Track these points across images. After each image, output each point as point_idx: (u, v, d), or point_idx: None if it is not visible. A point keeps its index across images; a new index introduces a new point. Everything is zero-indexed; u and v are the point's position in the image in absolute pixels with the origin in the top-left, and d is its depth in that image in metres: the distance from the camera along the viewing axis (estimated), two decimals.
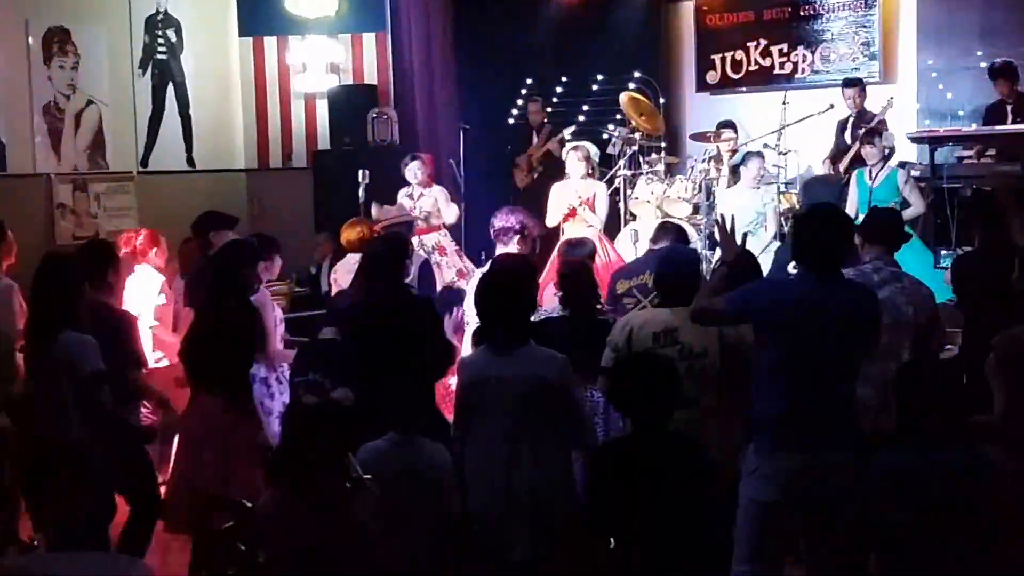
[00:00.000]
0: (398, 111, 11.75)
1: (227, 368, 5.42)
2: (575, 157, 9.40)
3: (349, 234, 7.72)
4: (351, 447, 4.14)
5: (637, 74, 12.06)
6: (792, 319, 4.30)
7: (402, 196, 9.66)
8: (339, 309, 6.00)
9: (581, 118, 12.27)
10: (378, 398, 4.61)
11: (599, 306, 5.88)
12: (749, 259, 5.26)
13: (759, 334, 4.45)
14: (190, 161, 11.78)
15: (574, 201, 9.14)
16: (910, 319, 5.19)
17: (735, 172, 10.35)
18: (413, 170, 9.72)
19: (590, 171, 9.51)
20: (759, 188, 9.79)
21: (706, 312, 4.51)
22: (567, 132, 11.74)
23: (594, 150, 10.29)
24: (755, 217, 9.57)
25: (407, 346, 5.13)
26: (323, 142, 12.06)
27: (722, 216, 5.50)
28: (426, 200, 9.73)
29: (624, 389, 4.21)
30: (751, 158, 9.87)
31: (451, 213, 9.76)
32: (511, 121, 12.59)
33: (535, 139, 12.16)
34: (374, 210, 8.98)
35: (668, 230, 6.74)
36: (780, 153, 10.47)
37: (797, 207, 10.22)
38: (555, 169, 10.93)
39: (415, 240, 8.85)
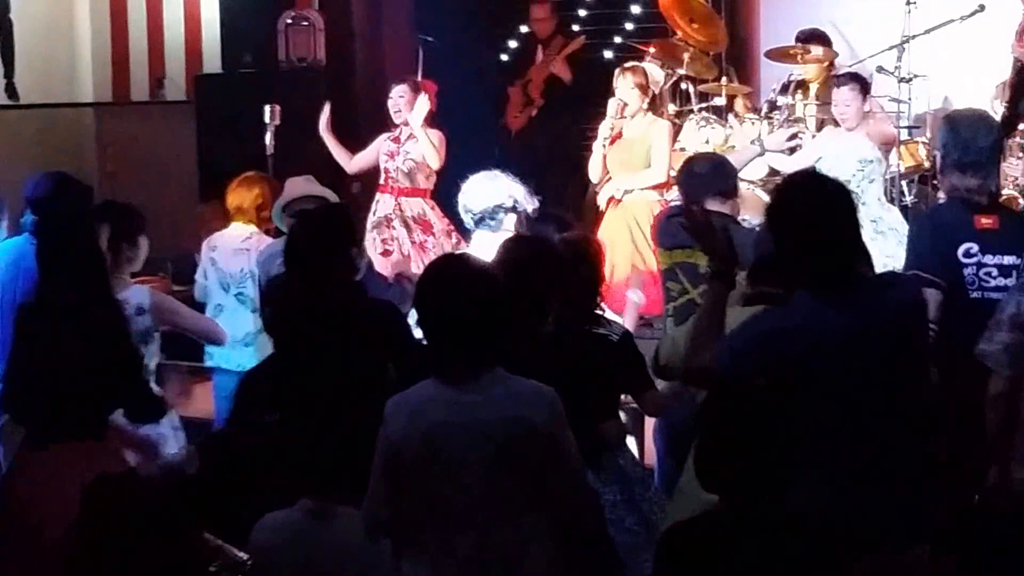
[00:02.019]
0: (324, 16, 11.89)
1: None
2: (627, 83, 9.62)
3: (240, 198, 7.92)
4: (212, 522, 4.43)
5: None
6: (814, 373, 4.41)
7: (383, 140, 9.86)
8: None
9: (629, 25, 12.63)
10: (296, 442, 4.76)
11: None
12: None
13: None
14: (11, 91, 11.86)
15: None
16: None
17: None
18: (394, 99, 9.84)
19: (647, 107, 9.72)
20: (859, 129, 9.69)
21: (697, 373, 4.72)
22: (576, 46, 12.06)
23: (657, 74, 10.40)
24: (858, 171, 9.36)
25: (348, 366, 5.31)
26: (210, 63, 12.27)
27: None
28: (415, 147, 9.82)
29: (714, 454, 4.16)
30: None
31: (433, 155, 9.83)
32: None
33: (538, 57, 12.42)
34: (342, 157, 9.52)
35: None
36: (902, 80, 10.42)
37: (926, 164, 10.16)
38: (563, 102, 11.31)
39: (386, 202, 9.54)
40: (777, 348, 4.45)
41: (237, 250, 7.80)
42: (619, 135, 9.62)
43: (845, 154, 9.32)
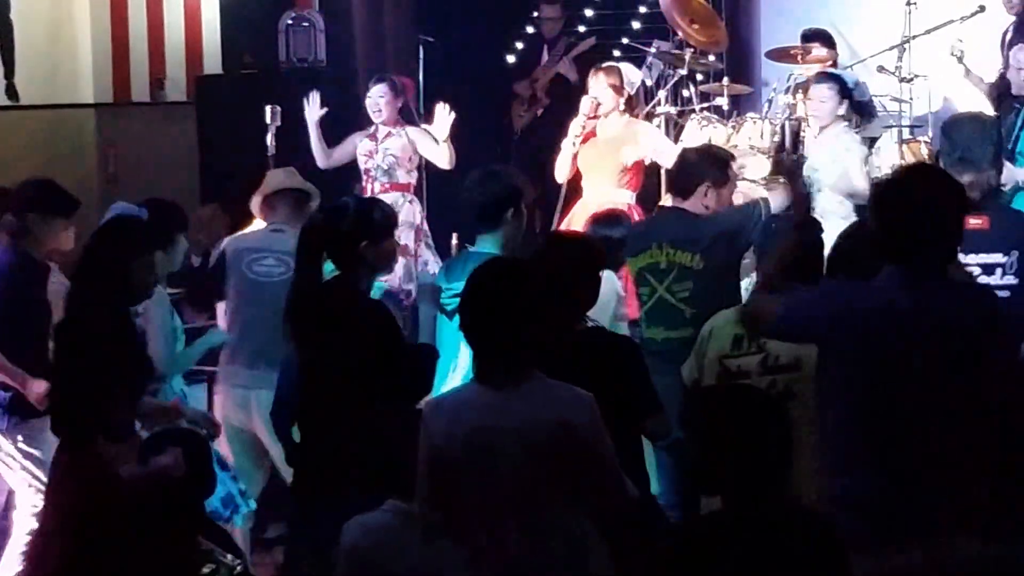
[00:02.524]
0: (325, 16, 11.85)
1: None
2: (599, 82, 9.57)
3: None
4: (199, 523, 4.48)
5: None
6: (865, 341, 4.40)
7: (359, 138, 9.82)
8: None
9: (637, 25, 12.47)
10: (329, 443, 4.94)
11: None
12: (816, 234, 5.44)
13: (824, 369, 4.59)
14: (11, 92, 11.78)
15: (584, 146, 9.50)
16: None
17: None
18: (374, 99, 9.75)
19: (623, 107, 9.65)
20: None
21: (753, 315, 4.80)
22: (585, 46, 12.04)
23: (633, 74, 10.33)
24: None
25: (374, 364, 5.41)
26: (211, 64, 12.23)
27: (796, 158, 5.38)
28: (394, 143, 9.75)
29: (711, 454, 4.17)
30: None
31: (442, 155, 9.70)
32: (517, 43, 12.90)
33: (544, 57, 12.42)
34: (320, 151, 9.50)
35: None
36: (903, 80, 10.45)
37: (928, 162, 10.01)
38: (567, 102, 10.99)
39: None
40: (842, 308, 4.46)
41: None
42: (592, 134, 9.52)
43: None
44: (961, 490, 4.41)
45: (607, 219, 7.43)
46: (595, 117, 9.50)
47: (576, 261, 5.40)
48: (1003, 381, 4.60)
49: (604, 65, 10.00)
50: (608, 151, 9.39)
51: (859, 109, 10.41)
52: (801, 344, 4.97)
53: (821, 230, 5.61)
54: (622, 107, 9.58)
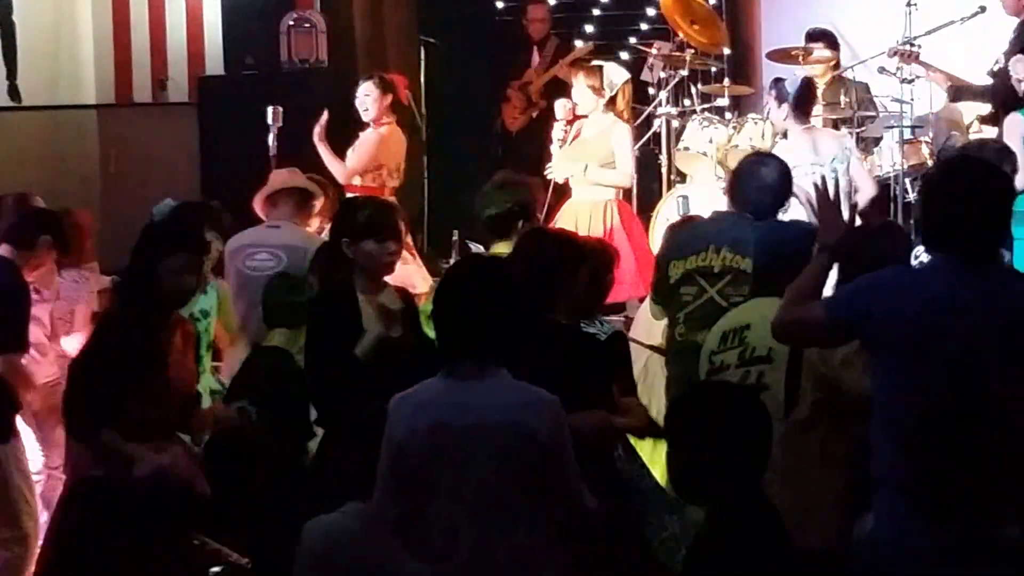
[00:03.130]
0: (326, 17, 11.83)
1: None
2: (579, 83, 9.49)
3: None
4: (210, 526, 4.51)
5: None
6: (925, 332, 4.34)
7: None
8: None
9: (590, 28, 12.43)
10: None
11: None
12: (872, 240, 5.32)
13: (875, 358, 4.49)
14: (13, 93, 11.75)
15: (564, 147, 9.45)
16: None
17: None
18: (360, 97, 9.71)
19: (603, 107, 9.50)
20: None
21: (794, 324, 4.61)
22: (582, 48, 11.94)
23: (617, 75, 9.89)
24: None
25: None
26: (213, 65, 12.19)
27: (823, 177, 5.36)
28: (352, 149, 9.81)
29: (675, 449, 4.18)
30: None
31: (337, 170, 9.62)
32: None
33: (535, 59, 12.27)
34: (335, 166, 9.32)
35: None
36: (903, 81, 10.43)
37: (929, 162, 10.16)
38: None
39: None
40: (892, 298, 4.39)
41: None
42: (577, 134, 9.47)
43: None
44: (1009, 476, 4.36)
45: None
46: (573, 120, 9.52)
47: (554, 256, 5.38)
48: None
49: (585, 65, 9.89)
50: (591, 149, 9.33)
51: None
52: (848, 344, 4.81)
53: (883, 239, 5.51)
54: (602, 108, 9.45)
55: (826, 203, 4.77)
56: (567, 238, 5.80)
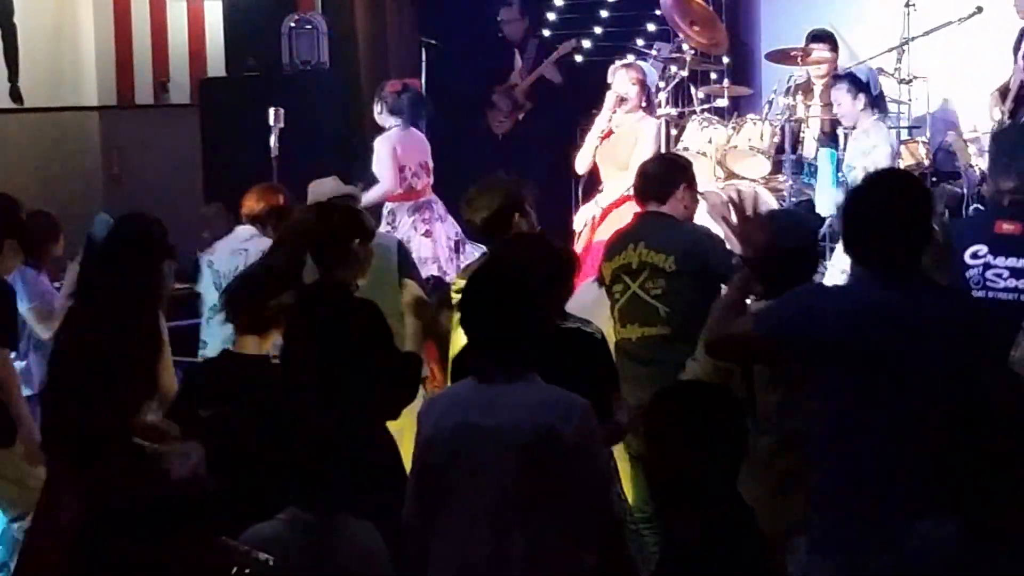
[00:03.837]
0: (328, 19, 11.84)
1: None
2: (628, 77, 9.57)
3: (257, 204, 7.83)
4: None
5: None
6: (858, 345, 4.34)
7: None
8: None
9: (599, 29, 12.31)
10: (293, 449, 4.55)
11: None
12: (795, 250, 5.25)
13: (808, 373, 4.50)
14: (15, 95, 11.75)
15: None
16: None
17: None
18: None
19: (644, 104, 9.67)
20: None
21: (725, 341, 4.63)
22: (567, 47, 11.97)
23: (652, 74, 10.24)
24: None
25: (350, 366, 5.15)
26: (215, 66, 12.24)
27: (739, 191, 5.37)
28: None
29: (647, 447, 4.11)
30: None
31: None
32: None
33: (517, 62, 12.27)
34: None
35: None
36: (901, 81, 10.42)
37: (926, 162, 10.22)
38: (552, 104, 11.23)
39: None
40: (820, 311, 4.41)
41: (235, 251, 7.74)
42: (610, 133, 9.50)
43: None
44: (942, 490, 4.27)
45: None
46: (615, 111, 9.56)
47: (540, 261, 5.38)
48: (987, 385, 4.44)
49: (626, 62, 10.05)
50: (621, 145, 9.40)
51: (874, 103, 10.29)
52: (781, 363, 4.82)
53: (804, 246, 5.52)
54: (643, 103, 9.62)
55: (744, 218, 4.80)
56: (550, 244, 5.82)
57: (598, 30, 12.61)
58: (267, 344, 5.75)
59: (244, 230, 7.80)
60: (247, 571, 4.21)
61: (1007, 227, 5.64)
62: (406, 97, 9.74)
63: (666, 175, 6.80)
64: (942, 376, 4.34)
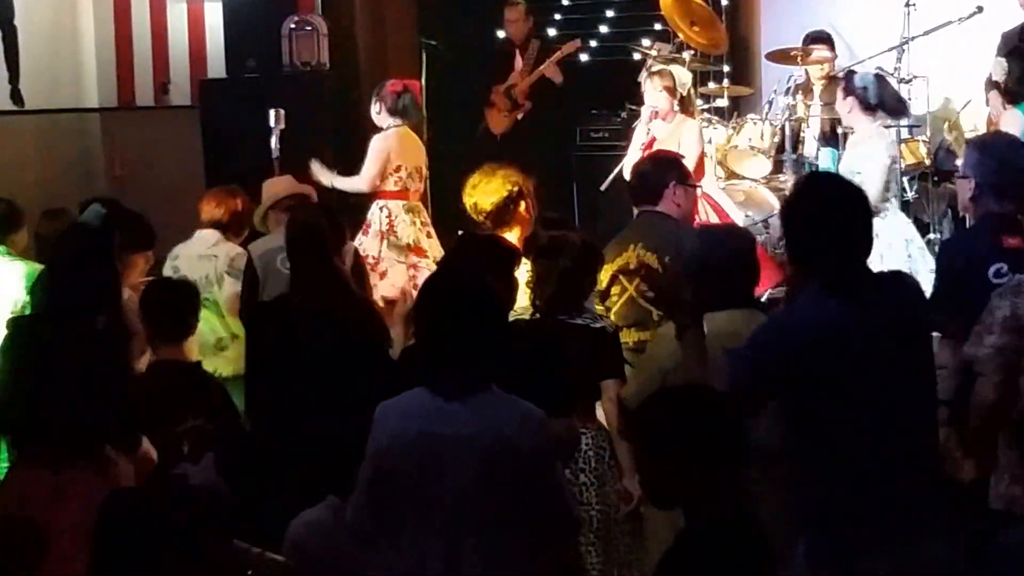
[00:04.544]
0: (328, 20, 11.81)
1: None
2: (654, 86, 9.78)
3: (216, 209, 7.90)
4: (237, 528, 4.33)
5: None
6: (827, 371, 4.33)
7: None
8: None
9: (604, 29, 12.26)
10: (305, 444, 4.76)
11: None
12: (721, 267, 5.21)
13: (786, 407, 4.49)
14: (16, 97, 11.69)
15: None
16: None
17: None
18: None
19: (677, 107, 9.95)
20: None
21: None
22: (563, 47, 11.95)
23: (684, 75, 10.38)
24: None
25: (352, 367, 5.36)
26: (215, 67, 12.17)
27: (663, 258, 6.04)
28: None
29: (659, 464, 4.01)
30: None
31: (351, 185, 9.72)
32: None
33: (518, 62, 12.28)
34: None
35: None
36: (902, 80, 10.46)
37: (927, 161, 10.30)
38: (552, 104, 11.28)
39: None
40: (791, 343, 4.36)
41: (202, 256, 7.75)
42: (653, 140, 9.62)
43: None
44: (929, 491, 4.42)
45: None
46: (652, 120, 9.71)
47: (492, 260, 5.36)
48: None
49: (656, 69, 10.16)
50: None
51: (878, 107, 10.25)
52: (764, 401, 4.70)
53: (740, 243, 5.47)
54: (676, 108, 9.76)
55: (674, 285, 4.86)
56: (501, 242, 5.83)
57: (604, 29, 12.66)
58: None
59: (208, 234, 7.82)
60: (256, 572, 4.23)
61: (1012, 241, 5.61)
62: (406, 98, 9.74)
63: (656, 173, 6.79)
64: (911, 368, 4.41)
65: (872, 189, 8.54)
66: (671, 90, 9.78)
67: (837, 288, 4.39)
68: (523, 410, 4.46)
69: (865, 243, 4.49)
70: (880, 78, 9.63)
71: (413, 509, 4.44)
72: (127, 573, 4.10)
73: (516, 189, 6.77)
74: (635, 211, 6.94)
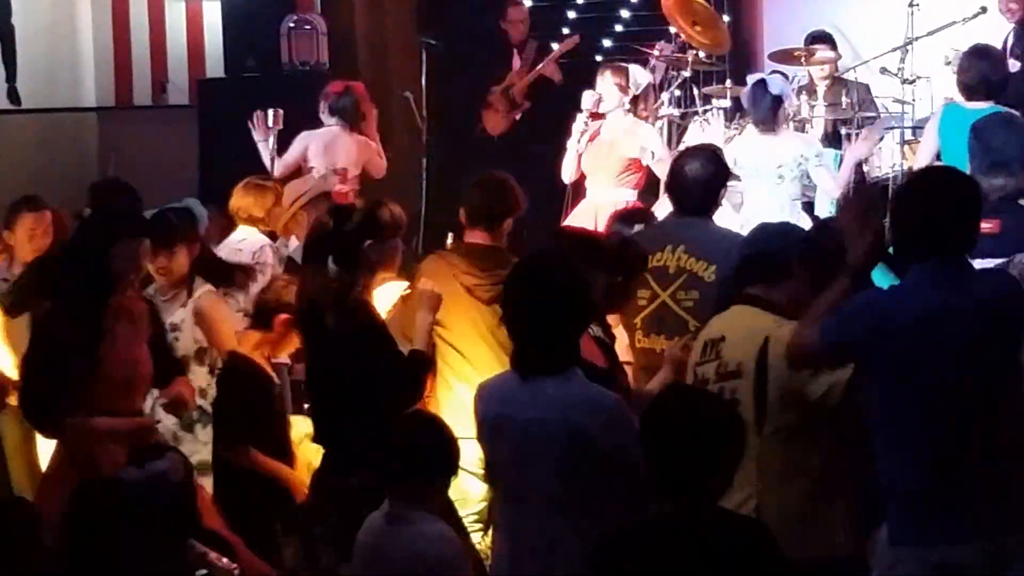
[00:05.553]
0: (327, 20, 11.88)
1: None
2: (606, 80, 9.53)
3: (242, 201, 7.97)
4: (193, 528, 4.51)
5: None
6: (912, 347, 4.38)
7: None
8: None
9: (619, 28, 12.44)
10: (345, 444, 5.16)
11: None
12: (767, 253, 5.10)
13: (865, 379, 4.52)
14: (13, 96, 11.78)
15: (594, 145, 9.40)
16: None
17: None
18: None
19: (627, 107, 9.61)
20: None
21: (797, 349, 4.60)
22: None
23: (641, 76, 10.12)
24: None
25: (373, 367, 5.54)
26: (213, 67, 12.25)
27: (854, 188, 5.28)
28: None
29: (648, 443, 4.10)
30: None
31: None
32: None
33: (516, 62, 12.25)
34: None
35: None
36: (905, 81, 10.46)
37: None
38: (551, 104, 11.19)
39: None
40: (882, 321, 4.41)
41: (232, 250, 7.82)
42: (596, 134, 9.42)
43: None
44: (1014, 487, 4.42)
45: (627, 216, 7.03)
46: (597, 116, 9.45)
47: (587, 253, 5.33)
48: None
49: (612, 64, 9.97)
50: (610, 150, 9.35)
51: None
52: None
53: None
54: (626, 107, 9.54)
55: (853, 219, 4.71)
56: (580, 245, 5.69)
57: (619, 28, 12.66)
58: None
59: (242, 231, 8.02)
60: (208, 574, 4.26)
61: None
62: (345, 99, 9.70)
63: (712, 181, 6.42)
64: (1003, 363, 4.44)
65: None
66: (623, 87, 9.50)
67: (939, 272, 4.45)
68: (593, 395, 4.53)
69: (969, 236, 4.56)
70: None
71: (507, 490, 4.64)
72: (97, 559, 4.16)
73: (505, 206, 6.62)
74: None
